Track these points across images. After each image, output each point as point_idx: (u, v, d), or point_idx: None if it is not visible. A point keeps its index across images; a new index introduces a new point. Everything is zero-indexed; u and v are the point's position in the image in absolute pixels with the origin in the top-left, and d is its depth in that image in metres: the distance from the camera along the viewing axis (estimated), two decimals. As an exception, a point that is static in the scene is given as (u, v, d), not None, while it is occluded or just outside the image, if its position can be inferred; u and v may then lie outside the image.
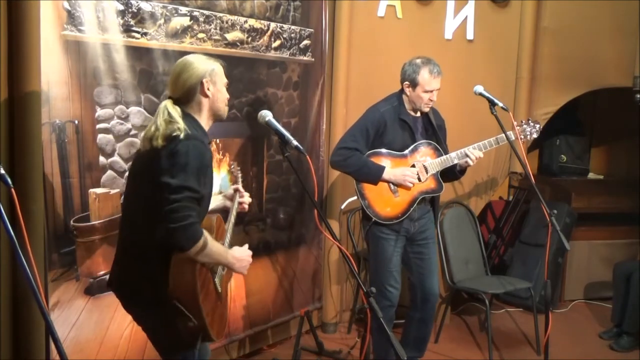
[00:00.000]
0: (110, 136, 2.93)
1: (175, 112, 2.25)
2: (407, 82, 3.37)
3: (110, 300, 2.94)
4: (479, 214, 4.83)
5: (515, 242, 5.35)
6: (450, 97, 4.45)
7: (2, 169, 1.81)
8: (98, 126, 2.88)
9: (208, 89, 2.31)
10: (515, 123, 3.54)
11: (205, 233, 2.16)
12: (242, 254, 2.36)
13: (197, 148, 2.18)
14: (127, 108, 2.98)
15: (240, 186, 2.71)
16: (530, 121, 3.59)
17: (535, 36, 4.70)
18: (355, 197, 3.48)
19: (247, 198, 2.71)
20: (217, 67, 2.36)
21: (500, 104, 3.25)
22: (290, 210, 4.05)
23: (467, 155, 3.40)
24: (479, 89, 3.34)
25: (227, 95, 2.41)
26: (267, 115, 2.52)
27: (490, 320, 4.10)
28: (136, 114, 3.01)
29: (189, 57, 2.37)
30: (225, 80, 2.39)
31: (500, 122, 3.26)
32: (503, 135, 3.37)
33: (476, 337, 4.49)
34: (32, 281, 1.74)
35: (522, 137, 3.54)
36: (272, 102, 3.78)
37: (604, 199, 5.34)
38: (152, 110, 3.07)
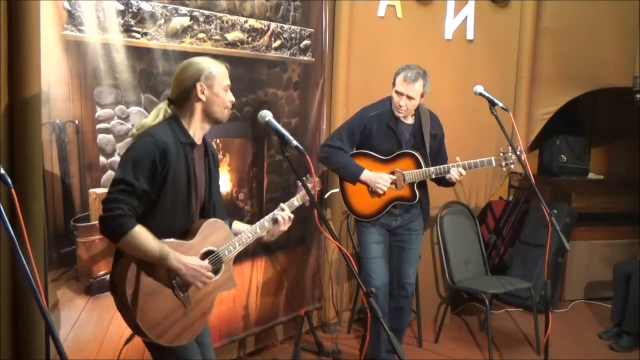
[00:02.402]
0: (111, 136, 2.93)
1: (157, 113, 2.32)
2: (393, 82, 3.48)
3: (110, 300, 2.93)
4: (479, 214, 4.83)
5: (515, 242, 5.35)
6: (450, 97, 4.46)
7: (2, 169, 1.81)
8: (98, 126, 2.88)
9: (202, 93, 2.31)
10: (516, 149, 3.45)
11: (140, 229, 2.15)
12: (192, 262, 2.25)
13: (143, 143, 2.21)
14: (128, 108, 2.98)
15: (286, 203, 2.58)
16: (510, 151, 3.45)
17: (535, 36, 4.70)
18: (338, 190, 3.67)
19: (286, 213, 2.55)
20: (217, 70, 2.34)
21: (500, 104, 3.25)
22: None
23: (449, 172, 3.42)
24: (479, 89, 3.34)
25: (230, 99, 2.38)
26: (267, 115, 2.52)
27: (490, 320, 4.10)
28: (136, 114, 3.01)
29: (191, 59, 2.38)
30: (226, 83, 2.36)
31: (500, 122, 3.26)
32: (487, 159, 3.45)
33: (476, 337, 4.49)
34: (32, 281, 1.74)
35: (504, 164, 3.48)
36: (272, 102, 3.78)
37: (604, 199, 5.35)
38: (152, 110, 3.06)
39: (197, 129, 2.36)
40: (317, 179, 2.69)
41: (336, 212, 4.31)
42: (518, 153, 3.38)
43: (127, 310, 2.20)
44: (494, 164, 3.49)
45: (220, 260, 2.40)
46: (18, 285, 2.69)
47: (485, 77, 4.17)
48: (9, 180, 1.81)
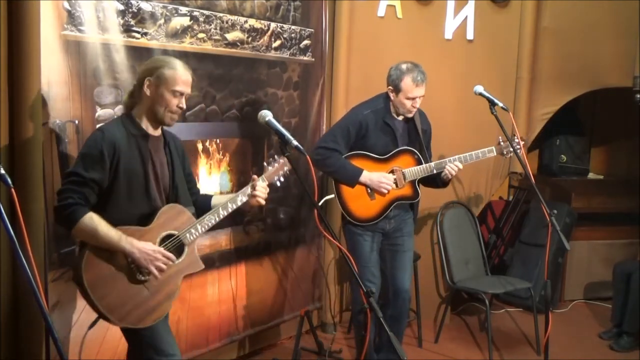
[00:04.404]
0: (111, 136, 2.93)
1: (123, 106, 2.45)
2: (390, 87, 3.36)
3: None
4: (479, 214, 4.84)
5: (515, 242, 5.35)
6: (450, 97, 4.46)
7: (2, 169, 1.81)
8: (98, 126, 2.87)
9: (148, 88, 2.39)
10: (517, 136, 3.51)
11: (92, 216, 2.24)
12: (144, 247, 2.32)
13: (92, 138, 2.34)
14: (127, 108, 2.98)
15: (259, 178, 2.64)
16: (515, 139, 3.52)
17: (535, 36, 4.70)
18: (334, 195, 3.49)
19: (260, 191, 2.61)
20: (170, 73, 2.37)
21: (500, 104, 3.25)
22: (290, 210, 4.05)
23: (445, 167, 3.39)
24: (479, 89, 3.34)
25: (174, 103, 2.38)
26: (267, 115, 2.52)
27: (490, 320, 4.10)
28: (136, 114, 3.01)
29: (160, 56, 2.55)
30: (175, 88, 2.36)
31: (500, 122, 3.26)
32: (489, 149, 3.47)
33: (476, 337, 4.49)
34: (32, 281, 1.74)
35: (505, 152, 3.52)
36: (272, 102, 3.78)
37: (604, 199, 5.34)
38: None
39: (147, 125, 2.44)
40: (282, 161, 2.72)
41: (336, 212, 4.30)
42: (515, 145, 3.40)
43: (88, 296, 2.26)
44: (495, 153, 3.50)
45: (182, 244, 2.46)
46: (18, 285, 2.69)
47: (485, 77, 4.17)
48: (9, 180, 1.81)
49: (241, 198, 2.60)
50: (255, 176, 2.63)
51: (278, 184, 2.74)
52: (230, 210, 2.57)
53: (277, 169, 2.71)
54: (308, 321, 3.75)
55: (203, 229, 2.50)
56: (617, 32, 4.70)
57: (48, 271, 2.71)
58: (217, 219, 2.54)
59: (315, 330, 3.85)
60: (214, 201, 2.65)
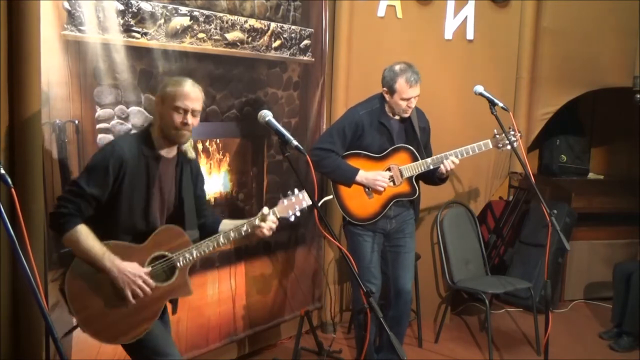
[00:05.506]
0: (111, 136, 2.92)
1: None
2: (385, 89, 3.37)
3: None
4: (479, 214, 4.83)
5: (515, 242, 5.35)
6: (450, 97, 4.46)
7: (2, 169, 1.81)
8: (98, 126, 2.88)
9: (156, 107, 2.42)
10: (514, 127, 3.51)
11: (81, 229, 2.25)
12: (125, 267, 2.30)
13: (102, 152, 2.36)
14: (127, 108, 2.98)
15: (270, 210, 2.54)
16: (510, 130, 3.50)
17: (535, 36, 4.70)
18: (332, 196, 3.48)
19: (268, 223, 2.53)
20: (173, 89, 2.36)
21: (501, 104, 3.25)
22: (290, 210, 4.04)
23: (442, 163, 3.38)
24: (479, 89, 3.34)
25: (177, 120, 2.34)
26: (267, 115, 2.52)
27: (490, 320, 4.10)
28: (136, 114, 3.01)
29: (173, 77, 2.58)
30: (177, 104, 2.34)
31: (500, 122, 3.26)
32: (484, 142, 3.46)
33: (476, 337, 4.49)
34: (32, 281, 1.74)
35: (500, 145, 3.51)
36: (272, 102, 3.78)
37: (604, 199, 5.34)
38: (152, 110, 3.06)
39: (159, 142, 2.41)
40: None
41: (336, 212, 4.30)
42: (511, 137, 3.39)
43: (68, 306, 2.28)
44: (491, 146, 3.50)
45: (173, 267, 2.43)
46: (18, 285, 2.69)
47: (485, 77, 4.17)
48: (9, 180, 1.81)
49: (246, 229, 2.52)
50: (266, 208, 2.53)
51: (292, 218, 2.61)
52: (231, 238, 2.50)
53: (294, 203, 2.59)
54: (308, 321, 3.74)
55: (199, 254, 2.45)
56: (617, 32, 4.70)
57: (48, 271, 2.71)
58: (216, 247, 2.48)
59: (315, 330, 3.84)
60: (221, 226, 2.58)
